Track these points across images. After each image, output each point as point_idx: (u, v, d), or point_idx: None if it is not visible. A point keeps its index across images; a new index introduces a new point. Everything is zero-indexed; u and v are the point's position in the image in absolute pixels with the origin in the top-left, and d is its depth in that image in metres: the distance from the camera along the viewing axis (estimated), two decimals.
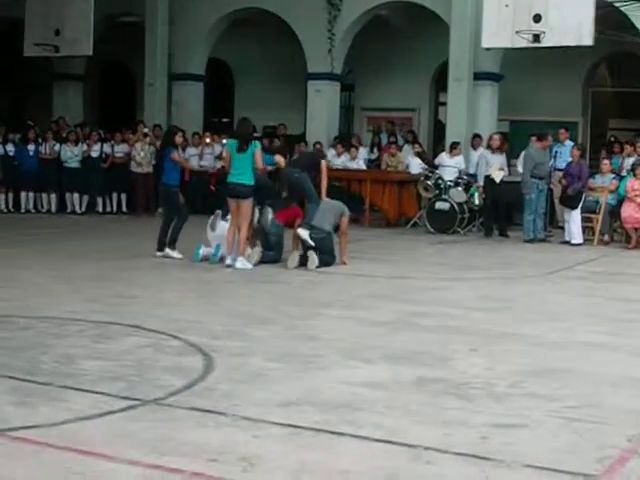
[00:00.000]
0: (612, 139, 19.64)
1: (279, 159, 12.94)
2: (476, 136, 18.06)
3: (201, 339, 7.18)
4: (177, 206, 12.56)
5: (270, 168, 12.76)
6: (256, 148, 11.79)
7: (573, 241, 15.12)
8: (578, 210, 15.19)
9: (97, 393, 5.61)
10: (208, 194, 17.75)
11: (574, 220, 15.23)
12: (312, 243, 11.61)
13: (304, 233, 11.67)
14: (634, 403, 5.79)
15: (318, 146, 18.90)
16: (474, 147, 17.94)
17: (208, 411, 5.31)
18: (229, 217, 11.93)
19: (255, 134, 13.48)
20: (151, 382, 5.93)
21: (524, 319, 8.69)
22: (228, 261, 11.58)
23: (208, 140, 19.46)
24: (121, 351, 6.82)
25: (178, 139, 12.95)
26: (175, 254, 12.23)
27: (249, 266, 11.54)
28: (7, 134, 19.39)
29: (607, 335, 7.97)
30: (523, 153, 16.46)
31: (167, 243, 12.36)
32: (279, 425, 5.08)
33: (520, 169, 16.37)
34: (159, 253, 12.30)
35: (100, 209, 19.41)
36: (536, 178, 15.41)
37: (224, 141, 19.45)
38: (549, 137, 16.12)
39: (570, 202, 15.27)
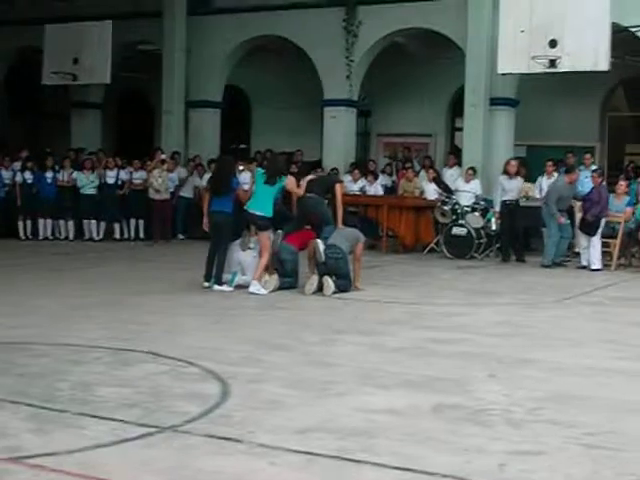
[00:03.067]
0: (631, 164, 19.53)
1: (289, 182, 12.70)
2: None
3: (217, 365, 7.17)
4: (227, 236, 12.17)
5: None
6: (282, 182, 11.99)
7: (592, 267, 15.03)
8: (598, 236, 15.12)
9: (114, 420, 5.61)
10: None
11: (594, 246, 15.13)
12: (323, 257, 11.60)
13: (320, 245, 11.67)
14: None
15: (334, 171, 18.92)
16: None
17: (225, 438, 5.29)
18: (251, 245, 11.99)
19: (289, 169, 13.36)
20: (167, 409, 5.93)
21: (542, 345, 8.64)
22: (251, 289, 11.57)
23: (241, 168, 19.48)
24: (138, 378, 6.82)
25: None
26: (225, 287, 11.85)
27: (263, 291, 11.55)
28: (27, 161, 19.53)
29: (626, 361, 7.91)
30: (541, 180, 16.48)
31: (215, 279, 11.92)
32: (296, 452, 5.07)
33: (537, 194, 16.36)
34: (207, 284, 11.95)
35: (117, 236, 19.48)
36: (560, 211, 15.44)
37: (240, 167, 19.55)
38: (577, 171, 16.12)
39: (589, 229, 15.19)
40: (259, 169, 12.57)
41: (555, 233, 15.39)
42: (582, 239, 15.47)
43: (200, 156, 20.60)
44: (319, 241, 11.81)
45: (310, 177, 13.41)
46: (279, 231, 12.16)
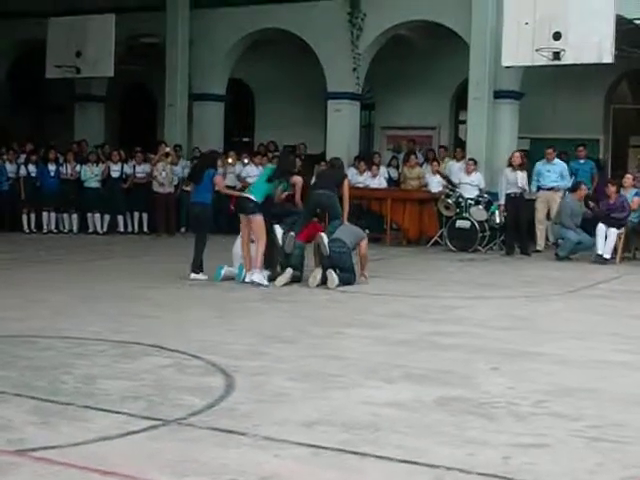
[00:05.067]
0: None
1: (296, 180, 12.67)
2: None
3: (222, 359, 7.17)
4: (202, 225, 12.47)
5: (284, 194, 12.70)
6: (279, 185, 12.14)
7: (606, 255, 15.11)
8: (617, 230, 15.30)
9: (118, 413, 5.62)
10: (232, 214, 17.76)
11: (610, 236, 15.23)
12: (327, 250, 11.62)
13: (325, 239, 11.68)
14: None
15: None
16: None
17: (229, 431, 5.30)
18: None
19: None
20: (172, 402, 5.93)
21: (546, 338, 8.64)
22: (247, 278, 11.64)
23: (231, 160, 19.51)
24: (142, 371, 6.82)
25: (221, 162, 13.04)
26: (200, 276, 12.06)
27: (265, 282, 11.57)
28: (31, 155, 19.55)
29: (630, 354, 7.90)
30: (539, 166, 16.52)
31: (192, 266, 12.14)
32: (300, 445, 5.07)
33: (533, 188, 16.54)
34: (193, 275, 12.09)
35: (121, 229, 19.50)
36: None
37: (245, 160, 19.56)
38: (582, 186, 16.12)
39: (612, 223, 15.33)
40: (269, 165, 12.61)
41: (573, 239, 15.46)
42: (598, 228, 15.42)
43: (199, 148, 20.57)
44: (323, 235, 11.82)
45: (320, 169, 13.33)
46: (291, 233, 12.11)
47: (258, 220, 11.78)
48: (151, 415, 5.58)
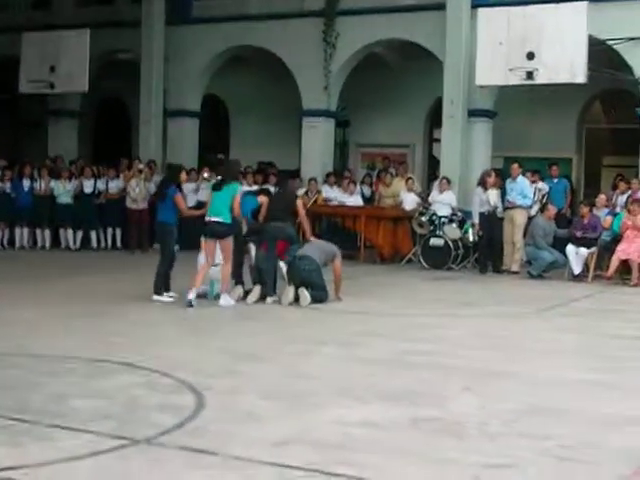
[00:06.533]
0: (619, 177, 19.41)
1: (262, 200, 12.54)
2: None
3: (193, 377, 7.13)
4: (166, 245, 12.12)
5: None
6: (235, 192, 11.76)
7: (576, 271, 15.33)
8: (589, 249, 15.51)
9: (88, 432, 5.56)
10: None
11: (581, 254, 15.42)
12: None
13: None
14: (628, 442, 5.74)
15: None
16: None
17: (199, 451, 5.26)
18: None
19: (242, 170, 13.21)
20: (142, 421, 5.89)
21: (519, 357, 8.65)
22: (190, 296, 11.24)
23: (206, 175, 19.45)
24: (112, 389, 6.77)
25: (183, 177, 12.88)
26: (164, 298, 11.68)
27: (232, 302, 11.50)
28: (5, 170, 19.45)
29: (600, 373, 7.93)
30: (507, 184, 16.57)
31: (154, 288, 11.75)
32: (271, 465, 5.03)
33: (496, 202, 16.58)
34: (156, 297, 11.75)
35: (94, 245, 19.40)
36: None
37: (205, 175, 19.50)
38: (550, 207, 16.19)
39: (584, 244, 15.51)
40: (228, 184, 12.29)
41: (548, 259, 15.55)
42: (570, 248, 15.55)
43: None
44: (283, 265, 11.91)
45: (267, 196, 12.94)
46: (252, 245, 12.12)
47: (229, 243, 11.65)
48: (121, 434, 5.53)
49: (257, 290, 11.83)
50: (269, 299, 11.76)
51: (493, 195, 16.46)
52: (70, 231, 19.24)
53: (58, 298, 11.78)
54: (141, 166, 19.39)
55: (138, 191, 18.83)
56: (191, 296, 11.17)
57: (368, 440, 5.60)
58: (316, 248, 12.10)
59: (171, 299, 11.70)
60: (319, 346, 8.87)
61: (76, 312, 10.55)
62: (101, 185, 19.42)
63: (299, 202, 12.76)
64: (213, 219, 11.59)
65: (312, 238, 12.50)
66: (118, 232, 19.46)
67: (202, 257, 11.89)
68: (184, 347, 8.64)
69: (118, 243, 19.42)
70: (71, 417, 5.91)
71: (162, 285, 11.84)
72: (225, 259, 11.62)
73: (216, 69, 22.42)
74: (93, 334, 9.14)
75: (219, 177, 12.42)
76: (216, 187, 11.87)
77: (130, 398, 6.49)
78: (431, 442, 5.60)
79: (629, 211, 15.44)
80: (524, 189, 16.76)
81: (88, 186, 19.35)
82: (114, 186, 19.37)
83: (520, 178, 16.88)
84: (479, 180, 16.72)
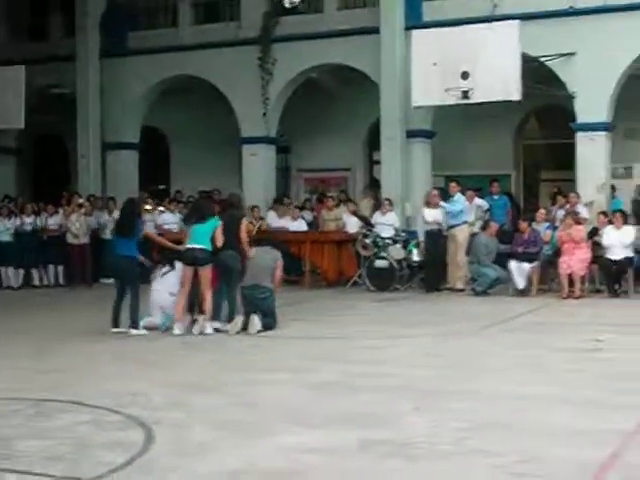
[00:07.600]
0: (557, 190, 19.71)
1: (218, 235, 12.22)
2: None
3: (141, 411, 7.06)
4: (134, 280, 11.95)
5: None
6: (216, 224, 11.93)
7: (520, 286, 15.51)
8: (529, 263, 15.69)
9: (35, 475, 5.47)
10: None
11: (524, 269, 15.59)
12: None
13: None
14: (578, 454, 5.78)
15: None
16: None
17: None
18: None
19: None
20: (91, 460, 5.80)
21: (466, 375, 8.70)
22: (177, 331, 11.52)
23: (148, 207, 19.33)
24: (59, 429, 6.67)
25: (145, 208, 12.82)
26: (142, 331, 11.69)
27: (178, 332, 11.53)
28: None
29: (546, 386, 8.00)
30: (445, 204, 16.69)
31: (130, 323, 11.70)
32: None
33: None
34: (114, 330, 11.73)
35: (37, 282, 19.14)
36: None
37: (161, 208, 19.45)
38: (492, 224, 16.34)
39: (527, 257, 15.72)
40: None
41: (492, 275, 15.69)
42: (510, 263, 15.72)
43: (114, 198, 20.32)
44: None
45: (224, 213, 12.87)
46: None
47: (208, 271, 11.72)
48: (69, 474, 5.45)
49: (239, 321, 11.73)
50: (208, 326, 11.67)
51: (436, 213, 16.60)
52: (11, 269, 18.99)
53: (1, 338, 11.59)
54: (81, 200, 19.24)
55: (79, 226, 18.65)
56: (177, 332, 11.53)
57: (318, 467, 5.58)
58: (265, 252, 12.09)
59: (145, 332, 11.72)
60: (267, 373, 8.84)
61: (19, 350, 10.41)
62: (40, 222, 19.18)
63: (243, 222, 12.48)
64: (196, 246, 11.72)
65: (251, 254, 12.25)
66: (60, 269, 19.23)
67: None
68: (131, 381, 8.53)
69: (61, 280, 19.18)
70: (17, 459, 5.80)
71: (137, 319, 11.80)
72: (206, 287, 11.68)
73: (154, 100, 22.36)
74: (37, 372, 9.00)
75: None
76: (200, 221, 11.94)
77: (78, 437, 6.40)
78: (382, 465, 5.60)
79: (564, 224, 15.67)
80: (458, 207, 16.81)
81: (28, 223, 19.12)
82: (53, 222, 19.14)
83: (457, 195, 16.99)
84: (424, 199, 16.85)
